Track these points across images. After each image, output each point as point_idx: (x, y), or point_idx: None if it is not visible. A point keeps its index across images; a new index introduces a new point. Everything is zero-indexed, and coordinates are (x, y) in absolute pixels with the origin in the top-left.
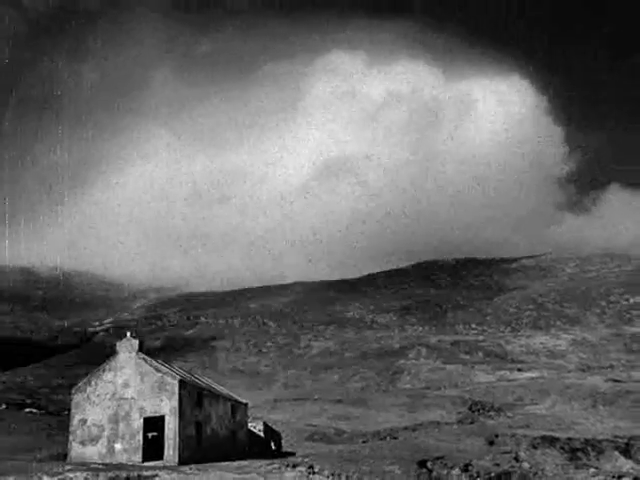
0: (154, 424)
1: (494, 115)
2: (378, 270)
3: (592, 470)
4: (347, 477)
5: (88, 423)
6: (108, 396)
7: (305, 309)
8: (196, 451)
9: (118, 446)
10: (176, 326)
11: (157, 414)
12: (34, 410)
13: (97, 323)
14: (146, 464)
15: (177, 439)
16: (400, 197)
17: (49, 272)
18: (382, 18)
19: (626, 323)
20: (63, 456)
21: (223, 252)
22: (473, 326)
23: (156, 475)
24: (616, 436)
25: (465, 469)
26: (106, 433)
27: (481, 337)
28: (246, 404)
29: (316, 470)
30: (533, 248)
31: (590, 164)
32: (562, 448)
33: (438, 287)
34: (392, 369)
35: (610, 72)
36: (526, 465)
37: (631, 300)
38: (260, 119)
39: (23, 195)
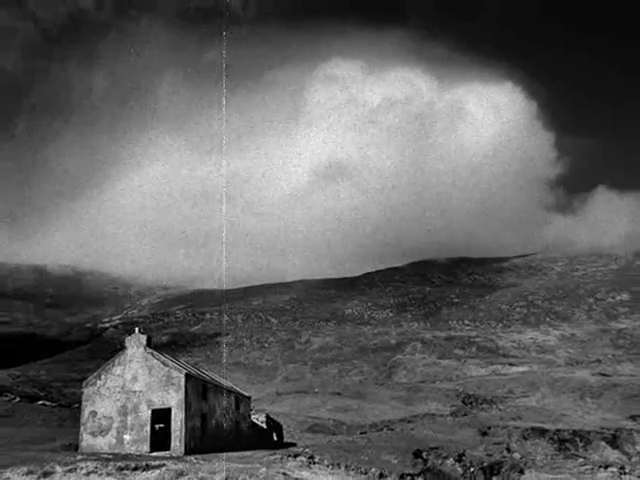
0: (161, 416)
1: (486, 120)
2: (375, 269)
3: (580, 460)
4: (346, 466)
5: (98, 415)
6: (117, 389)
7: (306, 306)
8: (201, 442)
9: (127, 437)
10: (182, 322)
11: (164, 406)
12: (47, 403)
13: (107, 319)
14: (153, 454)
15: (183, 430)
16: (396, 199)
17: (61, 271)
18: (380, 28)
19: (612, 319)
20: (75, 447)
21: (227, 251)
22: (466, 322)
23: (163, 465)
24: (603, 427)
25: (459, 459)
26: (115, 425)
27: (474, 333)
28: (249, 397)
29: (316, 460)
30: (524, 248)
31: (578, 167)
32: (551, 439)
33: (433, 285)
34: (389, 363)
35: (599, 79)
36: (517, 455)
37: (617, 297)
38: (262, 124)
39: (36, 197)
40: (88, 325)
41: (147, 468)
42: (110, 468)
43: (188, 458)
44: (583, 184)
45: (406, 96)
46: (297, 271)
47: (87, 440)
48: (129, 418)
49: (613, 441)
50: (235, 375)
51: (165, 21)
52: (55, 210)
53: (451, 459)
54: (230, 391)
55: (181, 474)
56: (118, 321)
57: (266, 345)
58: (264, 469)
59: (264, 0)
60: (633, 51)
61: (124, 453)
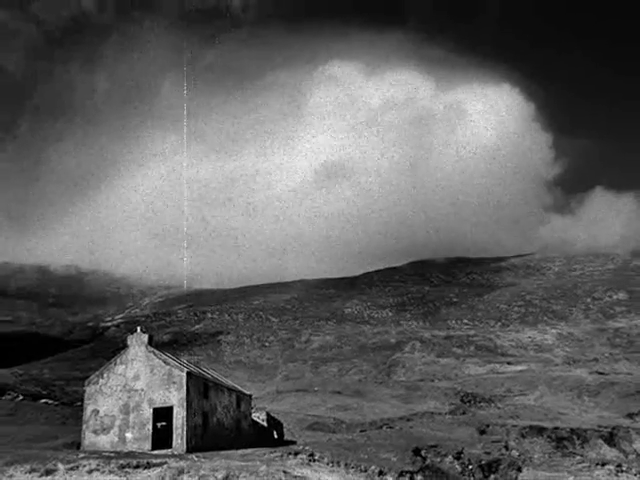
0: (163, 414)
1: (485, 122)
2: (375, 268)
3: (578, 458)
4: (346, 464)
5: (100, 413)
6: (119, 388)
7: (306, 305)
8: (203, 440)
9: (129, 435)
10: (184, 321)
11: (166, 405)
12: (49, 401)
13: (109, 319)
14: (155, 452)
15: (185, 429)
16: (395, 199)
17: (64, 270)
18: (379, 30)
19: (609, 318)
20: (77, 445)
21: (228, 251)
22: (465, 321)
23: (165, 463)
24: (600, 426)
25: (457, 457)
26: (117, 423)
27: (472, 332)
28: (250, 395)
29: (316, 458)
30: (522, 248)
31: (576, 168)
32: (549, 437)
33: (432, 285)
34: (388, 362)
35: (596, 80)
36: (515, 453)
37: (614, 297)
38: (263, 125)
39: (39, 197)
40: (90, 324)
41: (149, 466)
42: (112, 466)
43: (189, 456)
44: (581, 184)
45: (405, 97)
46: (297, 271)
47: (89, 438)
48: (131, 416)
49: (610, 439)
50: (236, 374)
51: (167, 23)
52: (58, 210)
53: (450, 457)
54: (231, 389)
55: (182, 472)
56: (120, 320)
57: (267, 344)
58: (265, 467)
59: (264, 2)
60: (628, 52)
61: (126, 451)
